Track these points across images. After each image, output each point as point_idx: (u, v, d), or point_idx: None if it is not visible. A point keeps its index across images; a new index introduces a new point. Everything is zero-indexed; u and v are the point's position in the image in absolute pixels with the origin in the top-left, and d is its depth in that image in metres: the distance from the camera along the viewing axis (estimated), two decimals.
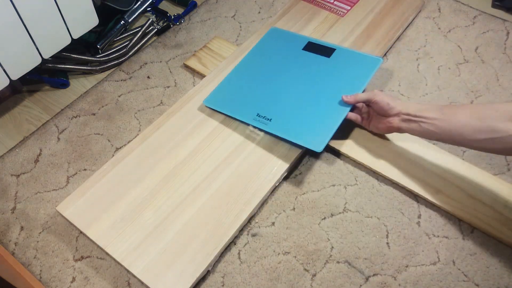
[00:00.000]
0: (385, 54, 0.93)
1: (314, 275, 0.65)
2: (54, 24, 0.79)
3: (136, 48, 0.98)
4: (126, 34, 1.01)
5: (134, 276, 0.63)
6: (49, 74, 0.93)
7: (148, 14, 1.06)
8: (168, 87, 0.90)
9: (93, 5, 0.85)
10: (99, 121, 0.85)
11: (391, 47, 0.94)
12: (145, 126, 0.83)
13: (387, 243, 0.68)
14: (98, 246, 0.66)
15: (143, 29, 0.99)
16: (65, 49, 0.85)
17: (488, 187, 0.71)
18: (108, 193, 0.71)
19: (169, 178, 0.72)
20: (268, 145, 0.76)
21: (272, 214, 0.71)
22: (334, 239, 0.68)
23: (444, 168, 0.73)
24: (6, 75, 0.76)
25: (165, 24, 1.02)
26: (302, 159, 0.77)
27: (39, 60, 0.80)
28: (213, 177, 0.72)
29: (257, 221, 0.70)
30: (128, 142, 0.79)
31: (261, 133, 0.77)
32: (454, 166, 0.73)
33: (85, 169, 0.78)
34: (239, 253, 0.67)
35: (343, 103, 0.75)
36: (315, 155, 0.78)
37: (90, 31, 0.90)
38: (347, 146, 0.77)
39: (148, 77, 0.92)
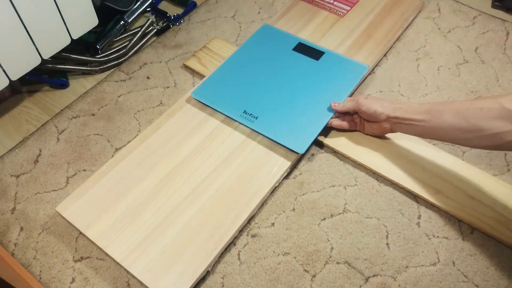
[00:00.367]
0: (385, 54, 0.93)
1: (314, 276, 0.65)
2: (53, 25, 0.79)
3: (135, 48, 0.98)
4: (125, 35, 1.01)
5: (134, 277, 0.63)
6: (49, 75, 0.92)
7: (147, 14, 1.06)
8: (168, 87, 0.90)
9: (93, 6, 0.85)
10: (98, 121, 0.84)
11: (391, 48, 0.94)
12: (144, 126, 0.83)
13: (387, 243, 0.68)
14: (97, 247, 0.66)
15: (142, 29, 0.99)
16: (64, 50, 0.85)
17: (488, 188, 0.71)
18: (107, 194, 0.70)
19: (169, 178, 0.72)
20: (268, 145, 0.76)
21: (272, 215, 0.71)
22: (334, 239, 0.68)
23: (444, 168, 0.73)
24: (5, 76, 0.76)
25: (164, 24, 1.02)
26: (302, 160, 0.77)
27: (38, 61, 0.80)
28: (212, 177, 0.72)
29: (256, 221, 0.70)
30: (128, 142, 0.79)
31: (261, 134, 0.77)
32: (454, 167, 0.73)
33: (84, 170, 0.78)
34: (238, 254, 0.67)
35: (328, 107, 0.78)
36: (315, 155, 0.78)
37: (90, 32, 0.90)
38: (347, 147, 0.77)
39: (148, 77, 0.92)
